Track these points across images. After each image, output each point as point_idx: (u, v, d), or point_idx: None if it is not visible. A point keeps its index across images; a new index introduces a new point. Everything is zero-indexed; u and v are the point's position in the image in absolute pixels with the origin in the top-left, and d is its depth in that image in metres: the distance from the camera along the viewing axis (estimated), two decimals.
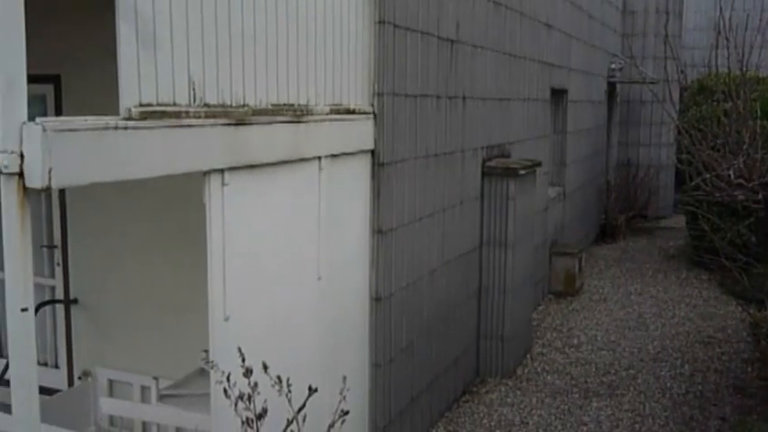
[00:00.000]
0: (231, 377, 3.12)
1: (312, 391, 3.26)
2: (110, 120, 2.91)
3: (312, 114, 4.52)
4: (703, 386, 7.63)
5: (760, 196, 6.75)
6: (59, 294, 6.51)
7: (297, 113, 4.34)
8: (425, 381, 6.48)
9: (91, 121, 2.83)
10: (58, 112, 6.13)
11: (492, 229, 7.75)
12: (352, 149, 5.11)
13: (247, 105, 3.85)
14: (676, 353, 8.61)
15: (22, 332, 2.68)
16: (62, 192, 6.28)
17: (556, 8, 10.43)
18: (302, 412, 3.23)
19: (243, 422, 3.12)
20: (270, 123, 4.03)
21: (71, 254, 6.44)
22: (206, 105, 3.51)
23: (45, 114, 6.14)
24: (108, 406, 5.93)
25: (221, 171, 3.63)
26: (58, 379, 6.50)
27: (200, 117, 3.43)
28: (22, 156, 2.60)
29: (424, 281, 6.33)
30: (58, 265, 6.51)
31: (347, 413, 3.38)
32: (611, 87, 15.53)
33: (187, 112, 3.36)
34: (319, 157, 4.63)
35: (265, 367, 3.14)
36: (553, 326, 9.56)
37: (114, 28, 2.97)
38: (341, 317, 5.08)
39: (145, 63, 3.10)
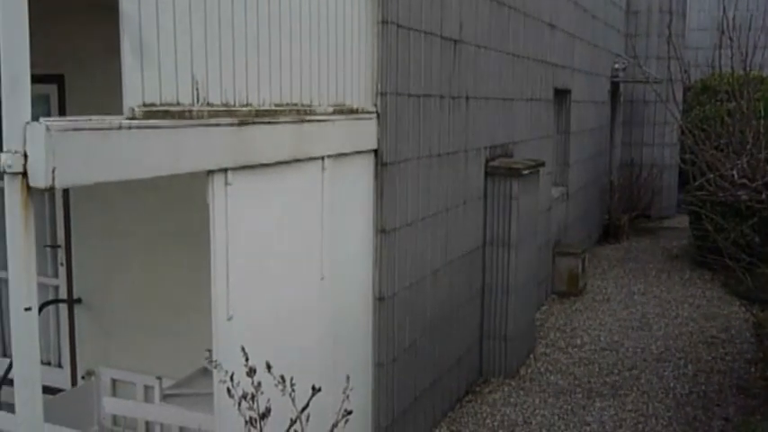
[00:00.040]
0: (234, 377, 3.12)
1: (316, 390, 3.26)
2: (113, 119, 2.92)
3: (315, 114, 4.52)
4: (707, 386, 7.63)
5: (763, 196, 6.74)
6: (63, 294, 6.52)
7: (300, 113, 4.34)
8: (428, 380, 6.48)
9: (94, 120, 2.83)
10: (62, 112, 6.14)
11: (495, 229, 7.75)
12: (356, 149, 5.11)
13: (251, 105, 3.85)
14: (680, 353, 8.60)
15: (26, 331, 2.68)
16: (66, 191, 6.28)
17: (559, 8, 10.42)
18: (306, 412, 3.23)
19: (246, 421, 3.11)
20: (273, 123, 4.03)
21: (74, 254, 6.44)
22: (209, 105, 3.51)
23: (48, 114, 6.15)
24: (111, 405, 5.93)
25: (225, 171, 3.63)
26: (61, 378, 6.51)
27: (203, 117, 3.44)
28: (25, 155, 2.60)
29: (428, 280, 6.33)
30: (62, 264, 6.51)
31: (350, 413, 3.38)
32: (615, 87, 15.52)
33: (190, 112, 3.36)
34: (322, 157, 4.63)
35: (269, 367, 3.14)
36: (556, 326, 9.56)
37: (118, 27, 2.97)
38: (344, 316, 5.07)
39: (148, 63, 3.10)
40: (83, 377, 6.36)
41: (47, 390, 3.30)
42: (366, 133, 5.23)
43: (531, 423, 6.82)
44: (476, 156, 7.36)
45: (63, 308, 6.54)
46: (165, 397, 5.45)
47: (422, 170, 6.07)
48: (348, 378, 3.69)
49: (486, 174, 7.66)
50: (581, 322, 9.71)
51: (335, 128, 4.79)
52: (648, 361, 8.36)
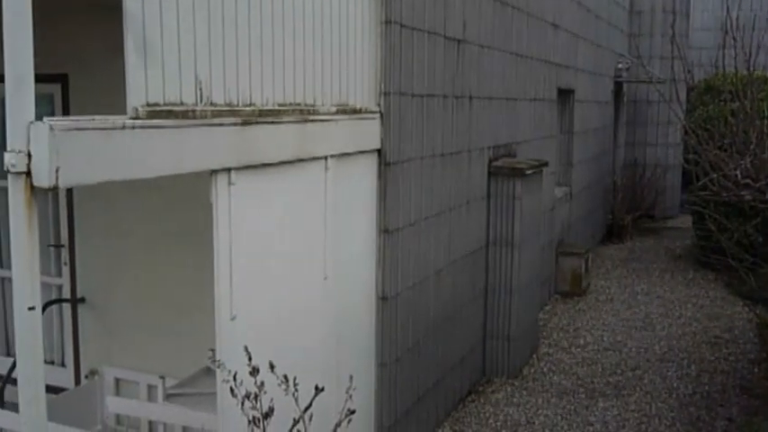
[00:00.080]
0: (237, 376, 3.13)
1: (319, 390, 3.27)
2: (117, 119, 2.92)
3: (319, 114, 4.52)
4: (710, 387, 7.62)
5: (767, 196, 6.73)
6: (66, 293, 6.53)
7: (303, 113, 4.34)
8: (431, 380, 6.48)
9: (98, 120, 2.84)
10: (66, 112, 6.15)
11: (498, 229, 7.75)
12: (359, 149, 5.11)
13: (254, 105, 3.86)
14: (683, 353, 8.60)
15: (30, 331, 2.69)
16: (69, 191, 6.29)
17: (562, 8, 10.41)
18: (308, 411, 3.24)
19: (249, 421, 3.12)
20: (276, 123, 4.04)
21: (78, 253, 6.45)
22: (213, 105, 3.52)
23: (52, 114, 6.16)
24: (115, 405, 5.95)
25: (228, 170, 3.64)
26: (64, 378, 6.52)
27: (206, 116, 3.44)
28: (29, 155, 2.61)
29: (431, 280, 6.33)
30: (65, 264, 6.52)
31: (353, 412, 3.38)
32: (618, 87, 15.51)
33: (194, 112, 3.36)
34: (326, 157, 4.63)
35: (272, 366, 3.14)
36: (560, 326, 9.56)
37: (121, 27, 2.97)
38: (347, 316, 5.08)
39: (152, 62, 3.10)
40: (86, 376, 6.36)
41: (50, 389, 3.31)
42: (369, 133, 5.24)
43: (534, 423, 6.81)
44: (479, 156, 7.36)
45: (66, 307, 6.55)
46: (168, 396, 5.46)
47: (425, 170, 6.07)
48: (351, 378, 3.70)
49: (490, 174, 7.66)
50: (584, 322, 9.71)
51: (339, 128, 4.80)
52: (652, 361, 8.35)
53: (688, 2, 17.00)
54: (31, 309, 2.66)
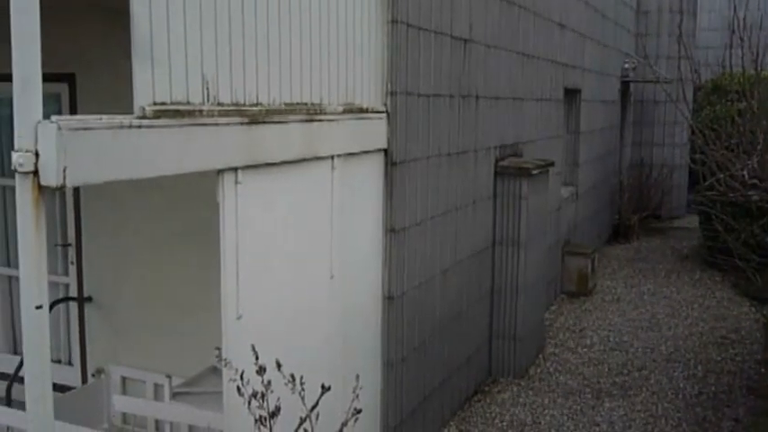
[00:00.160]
0: (244, 375, 3.13)
1: (325, 389, 3.27)
2: (124, 118, 2.93)
3: (325, 113, 4.52)
4: (716, 387, 7.61)
5: None
6: (73, 292, 6.55)
7: (310, 112, 4.34)
8: (437, 380, 6.48)
9: (105, 119, 2.84)
10: (73, 111, 6.16)
11: (505, 229, 7.74)
12: (365, 149, 5.11)
13: (261, 104, 3.86)
14: (689, 354, 8.58)
15: (37, 329, 2.69)
16: (76, 190, 6.31)
17: (569, 8, 10.40)
18: (315, 410, 3.24)
19: (256, 420, 3.12)
20: (283, 122, 4.04)
21: (85, 252, 6.47)
22: (220, 104, 3.52)
23: (59, 113, 6.16)
24: (121, 403, 5.95)
25: (235, 170, 3.64)
26: (71, 376, 6.54)
27: (213, 116, 3.44)
28: (36, 154, 2.61)
29: (437, 280, 6.33)
30: (72, 263, 6.54)
31: (360, 411, 3.38)
32: (625, 87, 15.48)
33: (201, 111, 3.37)
34: (332, 156, 4.63)
35: (278, 365, 3.14)
36: (566, 326, 9.55)
37: (128, 27, 2.98)
38: (353, 315, 5.08)
39: (159, 62, 3.11)
40: (93, 375, 6.38)
41: (57, 387, 3.32)
42: (376, 133, 5.24)
43: (540, 423, 6.81)
44: (485, 155, 7.36)
45: (73, 306, 6.57)
46: (174, 395, 5.47)
47: (431, 170, 6.07)
48: (358, 377, 3.70)
49: (496, 173, 7.66)
50: (590, 322, 9.70)
51: (345, 127, 4.80)
52: (658, 361, 8.34)
53: (695, 1, 16.96)
54: (38, 307, 2.67)
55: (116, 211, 6.15)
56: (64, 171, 2.63)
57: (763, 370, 8.02)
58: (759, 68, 7.27)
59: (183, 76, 3.27)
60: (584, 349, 8.71)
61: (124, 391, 6.16)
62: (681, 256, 13.49)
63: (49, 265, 2.78)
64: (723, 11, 19.04)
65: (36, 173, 2.62)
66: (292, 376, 3.13)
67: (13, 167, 2.63)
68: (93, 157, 2.79)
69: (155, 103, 3.09)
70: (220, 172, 3.56)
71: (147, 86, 3.05)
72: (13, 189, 2.72)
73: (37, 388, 2.72)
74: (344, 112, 4.78)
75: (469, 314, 7.20)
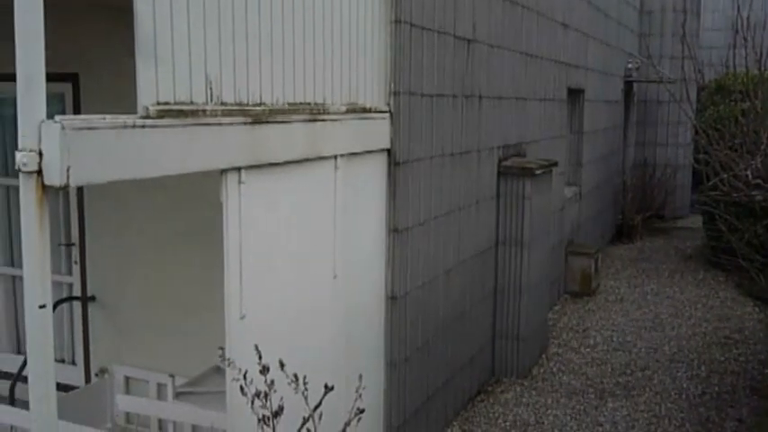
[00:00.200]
0: (247, 375, 3.13)
1: (328, 389, 3.27)
2: (127, 118, 2.93)
3: (328, 113, 4.52)
4: (720, 387, 7.60)
5: None
6: (77, 292, 6.56)
7: (313, 112, 4.34)
8: (441, 380, 6.48)
9: (109, 119, 2.84)
10: (77, 111, 6.17)
11: (508, 229, 7.74)
12: (369, 148, 5.11)
13: (264, 104, 3.86)
14: (693, 354, 8.57)
15: (40, 329, 2.70)
16: (80, 190, 6.32)
17: (573, 8, 10.40)
18: (318, 410, 3.24)
19: (259, 420, 3.12)
20: (286, 122, 4.04)
21: (88, 252, 6.48)
22: (223, 104, 3.52)
23: (63, 112, 6.16)
24: (124, 403, 5.96)
25: (238, 169, 3.64)
26: (75, 376, 6.55)
27: (217, 116, 3.45)
28: (40, 154, 2.62)
29: (440, 280, 6.33)
30: (76, 263, 6.55)
31: (363, 411, 3.38)
32: (628, 87, 15.47)
33: (204, 111, 3.37)
34: (335, 156, 4.63)
35: (282, 365, 3.15)
36: (569, 326, 9.54)
37: (132, 27, 2.98)
38: (356, 315, 5.08)
39: (162, 62, 3.11)
40: (96, 374, 6.39)
41: (61, 387, 3.32)
42: (379, 133, 5.24)
43: (543, 423, 6.81)
44: (488, 155, 7.36)
45: (77, 305, 6.58)
46: (177, 395, 5.48)
47: (434, 170, 6.07)
48: (361, 377, 3.70)
49: (499, 173, 7.66)
50: (594, 322, 9.69)
51: (348, 127, 4.80)
52: (661, 361, 8.33)
53: (699, 1, 16.95)
54: (41, 307, 2.67)
55: (120, 211, 6.16)
56: (67, 171, 2.63)
57: (766, 370, 8.00)
58: (763, 68, 7.26)
59: (187, 75, 3.27)
60: (588, 349, 8.71)
61: (127, 391, 6.17)
62: (684, 257, 13.48)
63: (52, 265, 2.79)
64: (727, 11, 19.02)
65: (40, 172, 2.63)
66: (295, 376, 3.14)
67: (16, 167, 2.63)
68: (97, 157, 2.79)
69: (158, 103, 3.09)
70: (224, 172, 3.57)
71: (151, 86, 3.06)
72: (16, 189, 2.72)
73: (40, 387, 2.73)
74: (348, 111, 4.78)
75: (473, 314, 7.20)
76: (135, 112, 3.00)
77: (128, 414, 6.10)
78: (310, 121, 4.29)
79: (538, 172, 7.77)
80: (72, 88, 6.24)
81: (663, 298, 10.84)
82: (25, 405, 2.84)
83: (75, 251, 6.53)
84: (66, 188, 2.67)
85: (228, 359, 3.45)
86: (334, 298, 4.76)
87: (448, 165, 6.34)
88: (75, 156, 2.66)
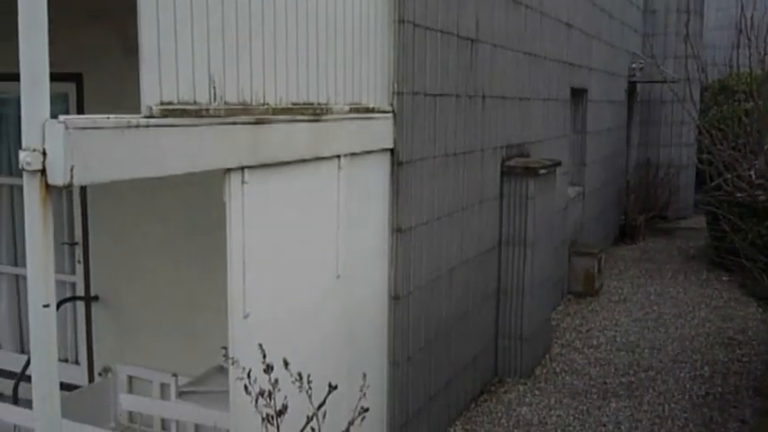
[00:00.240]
0: (251, 374, 3.13)
1: (332, 388, 3.27)
2: (131, 118, 2.93)
3: (332, 113, 4.52)
4: (723, 388, 7.59)
5: None
6: (80, 291, 6.56)
7: (316, 112, 4.34)
8: (443, 380, 6.48)
9: (112, 118, 2.84)
10: (80, 111, 6.18)
11: (511, 229, 7.74)
12: (372, 148, 5.11)
13: (267, 104, 3.86)
14: (696, 354, 8.56)
15: (44, 328, 2.70)
16: (83, 189, 6.32)
17: (576, 7, 10.39)
18: (321, 409, 3.24)
19: (263, 419, 3.12)
20: (290, 122, 4.04)
21: (92, 251, 6.48)
22: (226, 104, 3.53)
23: (67, 112, 6.17)
24: (128, 402, 5.96)
25: (241, 169, 3.64)
26: (78, 375, 6.55)
27: (220, 115, 3.45)
28: (44, 153, 2.62)
29: (443, 280, 6.33)
30: (79, 262, 6.55)
31: (367, 410, 3.38)
32: (632, 87, 15.46)
33: (207, 111, 3.37)
34: (339, 156, 4.63)
35: (286, 364, 3.15)
36: (572, 326, 9.54)
37: (136, 27, 2.99)
38: (359, 315, 5.08)
39: (166, 62, 3.11)
40: (99, 374, 6.40)
41: (64, 386, 3.33)
42: (382, 132, 5.24)
43: (546, 423, 6.80)
44: (492, 155, 7.36)
45: (80, 305, 6.58)
46: (180, 394, 5.48)
47: (438, 169, 6.07)
48: (365, 376, 3.70)
49: (503, 173, 7.66)
50: (597, 322, 9.68)
51: (352, 127, 4.80)
52: (665, 362, 8.33)
53: (702, 1, 16.93)
54: (45, 306, 2.67)
55: (123, 210, 6.17)
56: (71, 170, 2.64)
57: None
58: (766, 68, 7.25)
59: (190, 75, 3.27)
60: (591, 349, 8.70)
61: (131, 390, 6.18)
62: (688, 257, 13.46)
63: (56, 264, 2.79)
64: (730, 10, 18.95)
65: (43, 172, 2.63)
66: (299, 375, 3.14)
67: (20, 166, 2.63)
68: (101, 156, 2.79)
69: (162, 103, 3.09)
70: (227, 171, 3.57)
71: (154, 86, 3.06)
72: (20, 188, 2.72)
73: (44, 387, 2.73)
74: (351, 111, 4.78)
75: (476, 314, 7.20)
76: (138, 112, 3.01)
77: (131, 413, 6.10)
78: (314, 120, 4.30)
79: (541, 172, 7.76)
80: (76, 88, 6.24)
81: (666, 298, 10.83)
82: (29, 404, 2.85)
83: (79, 250, 6.54)
84: (69, 187, 2.68)
85: (232, 358, 3.45)
86: (338, 297, 4.76)
87: (451, 164, 6.34)
88: (79, 155, 2.66)
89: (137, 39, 2.99)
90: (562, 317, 9.88)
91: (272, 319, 3.99)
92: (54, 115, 2.64)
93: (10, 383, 6.04)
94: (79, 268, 6.56)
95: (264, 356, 3.15)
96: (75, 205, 6.50)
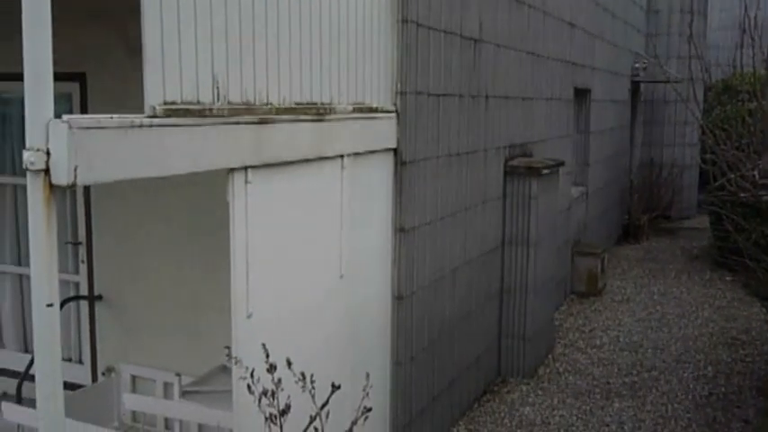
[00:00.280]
0: (254, 373, 3.13)
1: (335, 387, 3.27)
2: (134, 117, 2.93)
3: (335, 113, 4.53)
4: (726, 388, 7.58)
5: None
6: (84, 291, 6.57)
7: (320, 112, 4.35)
8: (446, 379, 6.48)
9: (116, 118, 2.85)
10: (84, 110, 6.18)
11: (514, 229, 7.73)
12: (375, 148, 5.11)
13: (271, 104, 3.86)
14: (699, 354, 8.56)
15: (48, 328, 2.70)
16: (87, 188, 6.33)
17: (579, 7, 10.38)
18: (325, 409, 3.24)
19: (266, 418, 3.13)
20: (293, 122, 4.04)
21: (96, 251, 6.49)
22: (230, 103, 3.53)
23: (71, 112, 6.19)
24: (131, 402, 5.97)
25: (245, 169, 3.65)
26: (82, 374, 6.56)
27: (223, 115, 3.45)
28: (48, 153, 2.62)
29: (446, 280, 6.33)
30: (83, 261, 6.56)
31: (370, 410, 3.38)
32: (635, 87, 15.45)
33: (211, 110, 3.37)
34: (342, 156, 4.63)
35: (289, 363, 3.15)
36: (575, 326, 9.53)
37: (139, 27, 2.99)
38: (363, 315, 5.08)
39: (169, 62, 3.12)
40: (103, 373, 6.40)
41: (68, 386, 3.33)
42: (385, 132, 5.24)
43: (549, 423, 6.80)
44: (495, 155, 7.35)
45: (84, 304, 6.59)
46: (184, 394, 5.48)
47: (441, 169, 6.07)
48: (368, 375, 3.70)
49: (506, 173, 7.65)
50: (600, 322, 9.68)
51: (355, 127, 4.80)
52: (668, 362, 8.32)
53: (705, 1, 16.92)
54: (49, 306, 2.67)
55: (127, 210, 6.17)
56: (75, 170, 2.64)
57: None
58: None
59: (194, 75, 3.28)
60: (594, 349, 8.70)
61: (134, 390, 6.19)
62: (691, 257, 13.45)
63: (59, 264, 2.79)
64: (734, 10, 18.96)
65: (47, 171, 2.63)
66: (302, 374, 3.14)
67: (24, 166, 2.64)
68: (104, 156, 2.80)
69: (165, 103, 3.09)
70: (230, 171, 3.57)
71: (158, 85, 3.06)
72: (24, 188, 2.72)
73: (48, 386, 2.73)
74: (354, 111, 4.78)
75: (479, 314, 7.20)
76: (142, 112, 3.01)
77: (134, 413, 6.10)
78: (317, 120, 4.30)
79: (544, 172, 7.76)
80: (79, 88, 6.25)
81: (669, 298, 10.82)
82: (32, 403, 2.85)
83: (82, 250, 6.55)
84: (73, 187, 2.68)
85: (235, 358, 3.45)
86: (341, 297, 4.77)
87: (454, 164, 6.34)
88: (83, 155, 2.67)
89: (139, 39, 2.99)
90: (565, 317, 9.87)
91: (275, 319, 3.99)
92: (58, 115, 2.64)
93: (14, 383, 6.06)
94: (83, 268, 6.57)
95: (267, 356, 3.15)
96: (78, 205, 6.51)
